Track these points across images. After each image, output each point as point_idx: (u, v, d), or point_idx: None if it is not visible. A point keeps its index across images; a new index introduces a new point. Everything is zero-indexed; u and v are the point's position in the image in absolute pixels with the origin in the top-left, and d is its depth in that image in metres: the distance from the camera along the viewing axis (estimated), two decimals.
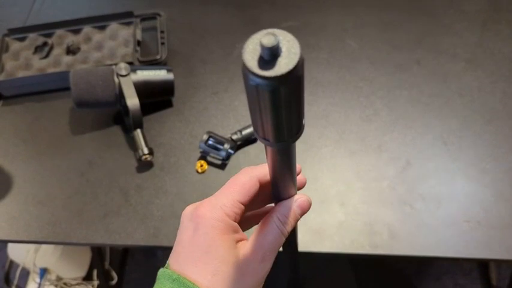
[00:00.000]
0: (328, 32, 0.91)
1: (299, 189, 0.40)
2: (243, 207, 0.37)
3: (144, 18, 0.92)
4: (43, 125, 0.83)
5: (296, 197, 0.39)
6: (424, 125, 0.77)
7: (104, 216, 0.72)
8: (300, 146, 0.74)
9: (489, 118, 0.76)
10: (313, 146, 0.76)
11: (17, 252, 1.23)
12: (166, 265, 0.36)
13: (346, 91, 0.82)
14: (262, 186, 0.38)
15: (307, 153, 0.75)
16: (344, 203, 0.69)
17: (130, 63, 0.81)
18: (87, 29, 0.90)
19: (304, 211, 0.39)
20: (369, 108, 0.79)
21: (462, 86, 0.81)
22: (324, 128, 0.78)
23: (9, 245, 1.24)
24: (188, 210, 0.37)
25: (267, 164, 0.34)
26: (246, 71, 0.23)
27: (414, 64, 0.85)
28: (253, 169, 0.38)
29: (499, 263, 1.07)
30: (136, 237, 0.69)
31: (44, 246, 1.20)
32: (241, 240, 0.37)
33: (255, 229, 0.38)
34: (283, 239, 0.38)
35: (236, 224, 0.36)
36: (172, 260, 0.36)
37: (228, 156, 0.74)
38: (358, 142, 0.76)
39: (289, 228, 0.38)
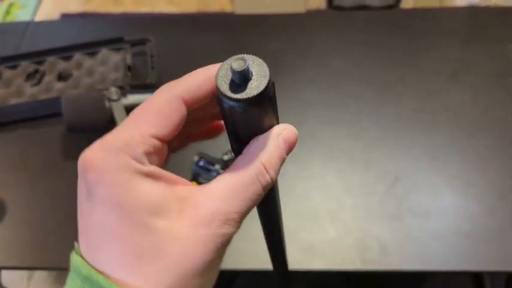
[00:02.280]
0: (313, 52, 0.94)
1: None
2: (159, 144, 0.24)
3: (134, 44, 0.94)
4: (36, 150, 0.84)
5: (277, 128, 0.26)
6: (411, 140, 0.78)
7: None
8: (289, 165, 0.75)
9: (472, 131, 0.78)
10: (302, 165, 0.77)
11: (10, 280, 1.22)
12: (76, 247, 0.25)
13: (333, 109, 0.84)
14: (193, 105, 0.26)
15: (297, 172, 0.76)
16: (334, 219, 0.70)
17: (121, 88, 0.83)
18: (78, 56, 0.92)
19: (291, 147, 0.27)
20: (356, 126, 0.81)
21: (446, 101, 0.83)
22: (313, 146, 0.79)
23: (3, 272, 1.23)
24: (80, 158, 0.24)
25: (194, 73, 0.28)
26: (219, 94, 0.24)
27: (399, 81, 0.87)
28: (172, 85, 0.26)
29: (487, 274, 1.08)
30: None
31: (37, 272, 1.19)
32: (172, 188, 0.24)
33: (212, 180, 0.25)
34: (263, 194, 0.25)
35: (156, 170, 0.24)
36: (81, 242, 0.24)
37: None
38: (346, 159, 0.77)
39: (275, 175, 0.26)
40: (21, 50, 0.99)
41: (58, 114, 0.81)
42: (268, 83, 0.24)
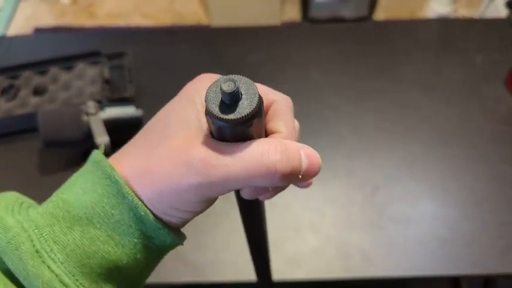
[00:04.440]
0: (291, 63, 0.95)
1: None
2: None
3: (111, 57, 0.93)
4: (12, 167, 0.82)
5: (299, 144, 0.28)
6: (389, 150, 0.80)
7: None
8: None
9: (448, 141, 0.80)
10: None
11: None
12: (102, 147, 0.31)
13: (312, 120, 0.85)
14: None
15: None
16: (316, 229, 0.71)
17: (99, 102, 0.82)
18: (54, 70, 0.91)
19: (313, 168, 0.27)
20: (336, 136, 0.82)
21: (421, 111, 0.85)
22: None
23: None
24: None
25: None
26: (211, 116, 0.24)
27: (376, 92, 0.88)
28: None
29: (464, 278, 1.10)
30: None
31: None
32: None
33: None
34: (263, 181, 0.25)
35: None
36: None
37: None
38: (327, 169, 0.78)
39: (288, 168, 0.26)
40: None
41: (34, 130, 0.80)
42: (258, 100, 0.24)
